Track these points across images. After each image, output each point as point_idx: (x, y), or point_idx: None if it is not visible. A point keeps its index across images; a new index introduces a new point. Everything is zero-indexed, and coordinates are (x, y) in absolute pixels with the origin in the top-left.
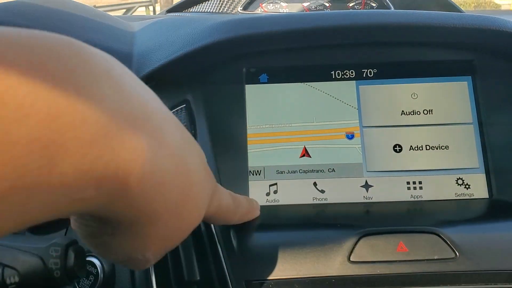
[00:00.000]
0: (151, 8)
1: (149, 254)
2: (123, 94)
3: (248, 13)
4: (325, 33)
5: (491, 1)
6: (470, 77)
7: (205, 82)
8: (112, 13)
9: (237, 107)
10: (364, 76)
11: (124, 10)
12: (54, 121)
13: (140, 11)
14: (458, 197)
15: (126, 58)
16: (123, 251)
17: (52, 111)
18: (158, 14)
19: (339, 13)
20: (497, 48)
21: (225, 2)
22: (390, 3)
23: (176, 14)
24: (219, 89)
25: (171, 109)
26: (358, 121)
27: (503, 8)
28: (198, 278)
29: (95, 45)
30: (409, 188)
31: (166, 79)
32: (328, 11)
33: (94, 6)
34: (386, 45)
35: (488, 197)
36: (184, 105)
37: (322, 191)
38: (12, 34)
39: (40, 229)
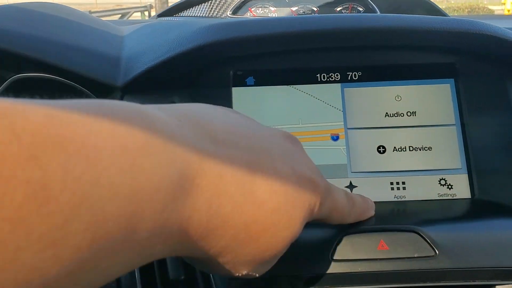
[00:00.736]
0: (146, 13)
1: (247, 273)
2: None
3: (237, 17)
4: (311, 36)
5: (485, 6)
6: (452, 79)
7: (192, 84)
8: (107, 18)
9: None
10: (349, 79)
11: (120, 15)
12: (135, 196)
13: (136, 16)
14: (441, 197)
15: (114, 62)
16: (225, 273)
17: (133, 187)
18: (150, 18)
19: (325, 17)
20: (478, 51)
21: (215, 7)
22: (376, 8)
23: (167, 18)
24: (206, 92)
25: None
26: (343, 123)
27: (496, 13)
28: (183, 277)
29: (84, 49)
30: (392, 189)
31: (154, 82)
32: (314, 15)
33: (90, 11)
34: (371, 48)
35: (470, 197)
36: None
37: None
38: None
39: None
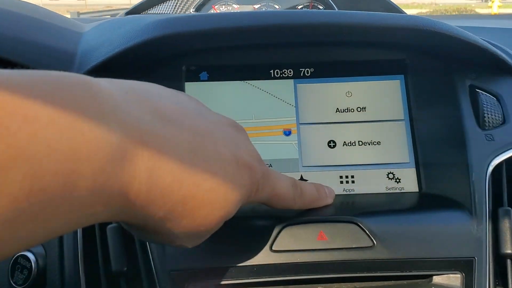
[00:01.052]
0: None
1: (180, 244)
2: (124, 125)
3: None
4: (260, 31)
5: (472, 9)
6: (402, 75)
7: (146, 79)
8: (98, 20)
9: None
10: (301, 75)
11: (109, 17)
12: (72, 155)
13: None
14: (389, 191)
15: (69, 58)
16: (160, 241)
17: (71, 146)
18: (118, 16)
19: (275, 12)
20: (427, 47)
21: (179, 4)
22: (335, 6)
23: (134, 16)
24: None
25: None
26: (295, 118)
27: None
28: (125, 269)
29: (39, 44)
30: (341, 182)
31: (106, 76)
32: (267, 10)
33: (79, 12)
34: (322, 45)
35: (418, 190)
36: None
37: None
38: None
39: None
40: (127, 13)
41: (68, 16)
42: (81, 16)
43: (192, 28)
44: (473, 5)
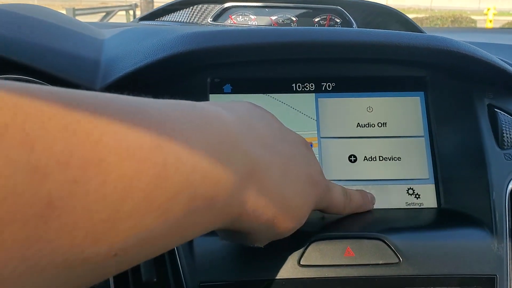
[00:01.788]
0: (131, 12)
1: (258, 244)
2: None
3: (218, 24)
4: (286, 48)
5: (468, 16)
6: (422, 92)
7: (170, 91)
8: (92, 16)
9: None
10: (323, 89)
11: (104, 14)
12: (217, 183)
13: (121, 15)
14: (408, 206)
15: (93, 65)
16: (245, 243)
17: (217, 176)
18: (131, 22)
19: (300, 29)
20: (447, 66)
21: (196, 13)
22: (352, 20)
23: (148, 22)
24: (184, 98)
25: None
26: (316, 132)
27: (478, 23)
28: (155, 279)
29: (64, 51)
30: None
31: (131, 87)
32: (290, 27)
33: (74, 8)
34: (345, 60)
35: (436, 206)
36: None
37: None
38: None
39: None
40: (141, 19)
41: (64, 12)
42: (77, 12)
43: (219, 44)
44: (468, 12)
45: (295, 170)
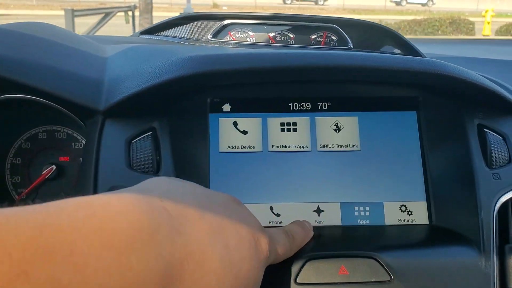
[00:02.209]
0: (130, 13)
1: None
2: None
3: (217, 41)
4: (284, 72)
5: (466, 18)
6: (415, 112)
7: (171, 110)
8: (91, 17)
9: (201, 135)
10: (319, 108)
11: (103, 15)
12: None
13: (119, 16)
14: (401, 223)
15: (97, 85)
16: None
17: (122, 285)
18: (132, 35)
19: (298, 54)
20: (439, 87)
21: (196, 29)
22: (348, 38)
23: (149, 36)
24: (185, 117)
25: (137, 136)
26: (310, 146)
27: (476, 24)
28: None
29: (67, 71)
30: (357, 214)
31: (134, 107)
32: (287, 51)
33: (73, 9)
34: (340, 81)
35: (428, 223)
36: (150, 132)
37: (278, 215)
38: None
39: None
40: (142, 33)
41: (62, 13)
42: (76, 13)
43: (220, 68)
44: (466, 14)
45: (234, 236)
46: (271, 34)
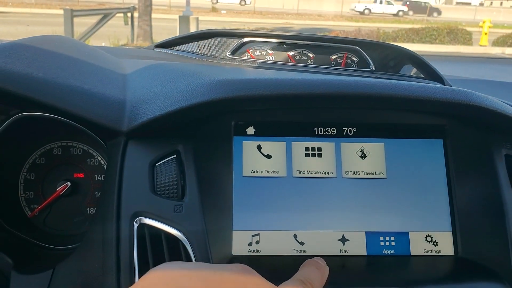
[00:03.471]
0: (129, 14)
1: None
2: None
3: (236, 58)
4: (311, 99)
5: (463, 28)
6: (441, 140)
7: (196, 133)
8: (90, 18)
9: (225, 158)
10: (344, 134)
11: (102, 16)
12: None
13: (118, 17)
14: (426, 253)
15: (119, 106)
16: None
17: None
18: (146, 47)
19: (324, 81)
20: (465, 116)
21: (215, 46)
22: (369, 58)
23: (164, 50)
24: (209, 141)
25: (161, 158)
26: (335, 172)
27: (473, 35)
28: None
29: (89, 90)
30: (382, 244)
31: (158, 129)
32: (316, 77)
33: (72, 9)
34: (367, 108)
35: (453, 254)
36: (175, 155)
37: (302, 243)
38: None
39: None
40: (157, 46)
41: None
42: (75, 13)
43: (247, 93)
44: (464, 24)
45: None
46: (291, 53)
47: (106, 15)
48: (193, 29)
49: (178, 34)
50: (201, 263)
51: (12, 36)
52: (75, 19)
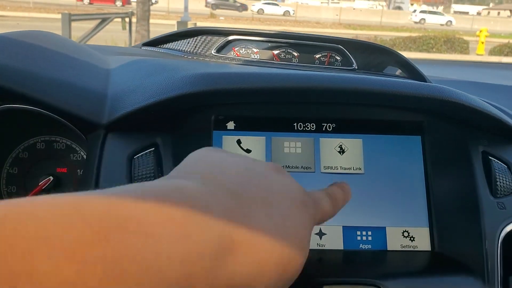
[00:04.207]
0: (127, 19)
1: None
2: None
3: (221, 56)
4: (290, 93)
5: (460, 37)
6: (420, 136)
7: (175, 127)
8: (88, 23)
9: None
10: (323, 129)
11: (100, 20)
12: (187, 260)
13: (116, 21)
14: (403, 248)
15: (100, 99)
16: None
17: (184, 253)
18: (134, 46)
19: (303, 75)
20: (443, 112)
21: (200, 43)
22: (352, 58)
23: (151, 48)
24: (188, 135)
25: (140, 151)
26: (314, 168)
27: (471, 44)
28: None
29: (70, 83)
30: (359, 238)
31: (137, 122)
32: (293, 71)
33: (70, 13)
34: (346, 103)
35: (430, 249)
36: (153, 148)
37: None
38: None
39: None
40: (144, 44)
41: (59, 16)
42: (73, 17)
43: (226, 86)
44: (461, 33)
45: (280, 202)
46: (275, 52)
47: (104, 19)
48: None
49: None
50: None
51: None
52: (73, 24)
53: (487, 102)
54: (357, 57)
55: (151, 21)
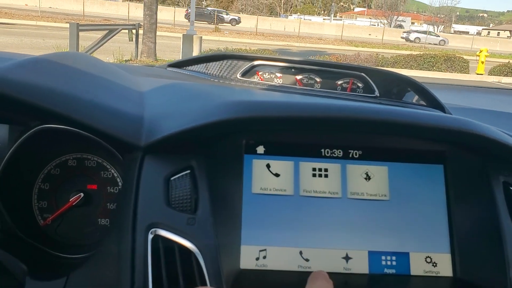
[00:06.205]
0: (134, 31)
1: None
2: None
3: (246, 80)
4: (318, 122)
5: (460, 56)
6: (442, 165)
7: (209, 150)
8: (95, 33)
9: (235, 175)
10: (350, 156)
11: (107, 31)
12: None
13: (123, 33)
14: (426, 274)
15: (137, 121)
16: None
17: None
18: (159, 66)
19: (332, 105)
20: (465, 144)
21: (226, 68)
22: (374, 85)
23: (177, 70)
24: (221, 158)
25: (176, 173)
26: (341, 193)
27: (470, 63)
28: None
29: (109, 105)
30: (383, 263)
31: (173, 145)
32: (326, 102)
33: (78, 24)
34: (372, 133)
35: (452, 275)
36: (189, 171)
37: (307, 260)
38: None
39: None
40: (170, 65)
41: (66, 25)
42: (81, 28)
43: (260, 114)
44: (461, 52)
45: None
46: (298, 77)
47: (111, 30)
48: (196, 47)
49: (181, 52)
50: None
51: (17, 47)
52: (80, 33)
53: (505, 133)
54: (378, 84)
55: (157, 33)
